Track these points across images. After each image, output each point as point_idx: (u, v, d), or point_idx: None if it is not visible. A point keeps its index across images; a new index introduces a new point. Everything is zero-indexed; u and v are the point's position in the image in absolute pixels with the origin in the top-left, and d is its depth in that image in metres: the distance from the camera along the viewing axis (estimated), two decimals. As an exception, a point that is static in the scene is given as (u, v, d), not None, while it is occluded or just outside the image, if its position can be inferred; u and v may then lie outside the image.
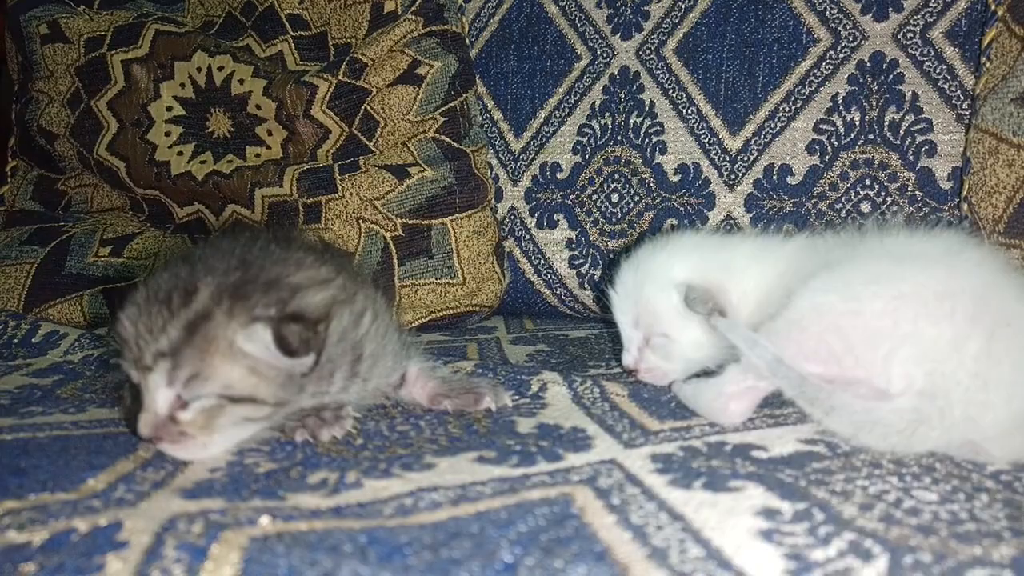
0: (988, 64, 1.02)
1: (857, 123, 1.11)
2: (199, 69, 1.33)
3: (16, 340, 1.10)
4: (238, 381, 0.62)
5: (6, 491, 0.56)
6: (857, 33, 1.12)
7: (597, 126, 1.27)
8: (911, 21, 1.09)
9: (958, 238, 0.74)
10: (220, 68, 1.33)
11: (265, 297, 0.62)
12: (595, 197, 1.26)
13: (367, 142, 1.29)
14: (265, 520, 0.51)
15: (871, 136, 1.11)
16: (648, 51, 1.24)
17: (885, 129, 1.10)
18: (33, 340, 1.09)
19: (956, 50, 1.07)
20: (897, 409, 0.62)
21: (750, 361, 0.69)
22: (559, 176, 1.29)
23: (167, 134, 1.33)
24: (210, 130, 1.33)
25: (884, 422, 0.62)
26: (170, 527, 0.50)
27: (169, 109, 1.33)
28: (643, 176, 1.23)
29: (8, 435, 0.70)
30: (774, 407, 0.73)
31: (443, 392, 0.77)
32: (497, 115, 1.35)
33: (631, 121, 1.25)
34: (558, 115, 1.30)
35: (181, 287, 0.62)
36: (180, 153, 1.32)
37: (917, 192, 1.08)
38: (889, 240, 0.74)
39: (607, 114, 1.27)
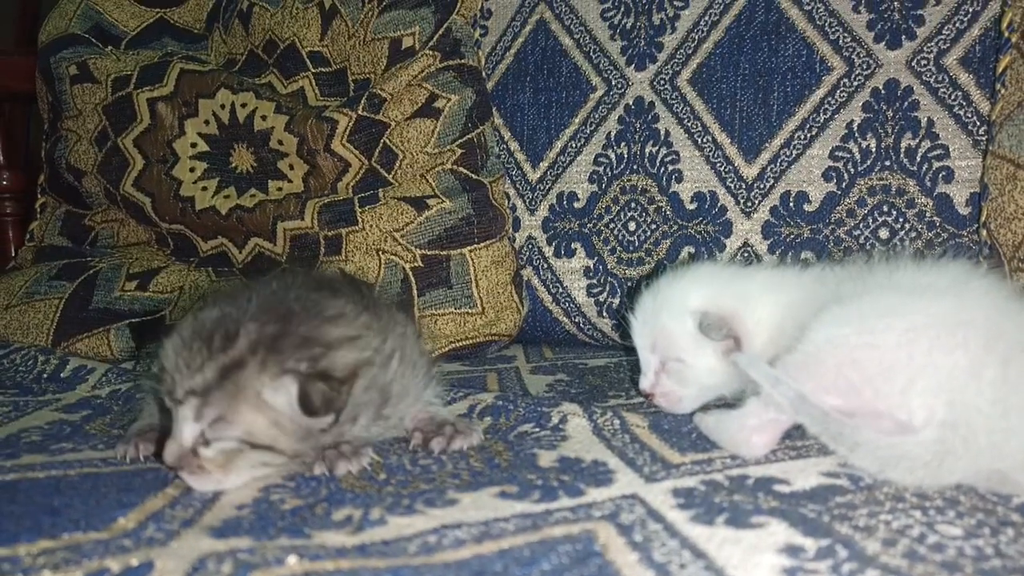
0: (1003, 90, 1.02)
1: (873, 150, 1.12)
2: (223, 106, 1.36)
3: (46, 375, 1.12)
4: (260, 431, 0.65)
5: (41, 530, 0.58)
6: (871, 61, 1.12)
7: (613, 155, 1.28)
8: (925, 48, 1.10)
9: (964, 268, 0.75)
10: (243, 105, 1.36)
11: (298, 352, 0.65)
12: (612, 226, 1.27)
13: (386, 174, 1.31)
14: (293, 560, 0.52)
15: (887, 163, 1.11)
16: (662, 81, 1.25)
17: (902, 155, 1.10)
18: (62, 375, 1.11)
19: (971, 76, 1.07)
20: (922, 442, 0.62)
21: (771, 396, 0.69)
22: (576, 205, 1.31)
23: (192, 170, 1.36)
24: (233, 165, 1.36)
25: (910, 456, 0.62)
26: (200, 567, 0.51)
27: (194, 145, 1.36)
28: (659, 204, 1.24)
29: (40, 472, 0.71)
30: (795, 439, 0.73)
31: (422, 428, 0.77)
32: (514, 146, 1.36)
33: (647, 150, 1.26)
34: (574, 145, 1.31)
35: (224, 330, 0.65)
36: (204, 188, 1.35)
37: (935, 218, 1.08)
38: (898, 273, 0.75)
39: (623, 143, 1.28)
